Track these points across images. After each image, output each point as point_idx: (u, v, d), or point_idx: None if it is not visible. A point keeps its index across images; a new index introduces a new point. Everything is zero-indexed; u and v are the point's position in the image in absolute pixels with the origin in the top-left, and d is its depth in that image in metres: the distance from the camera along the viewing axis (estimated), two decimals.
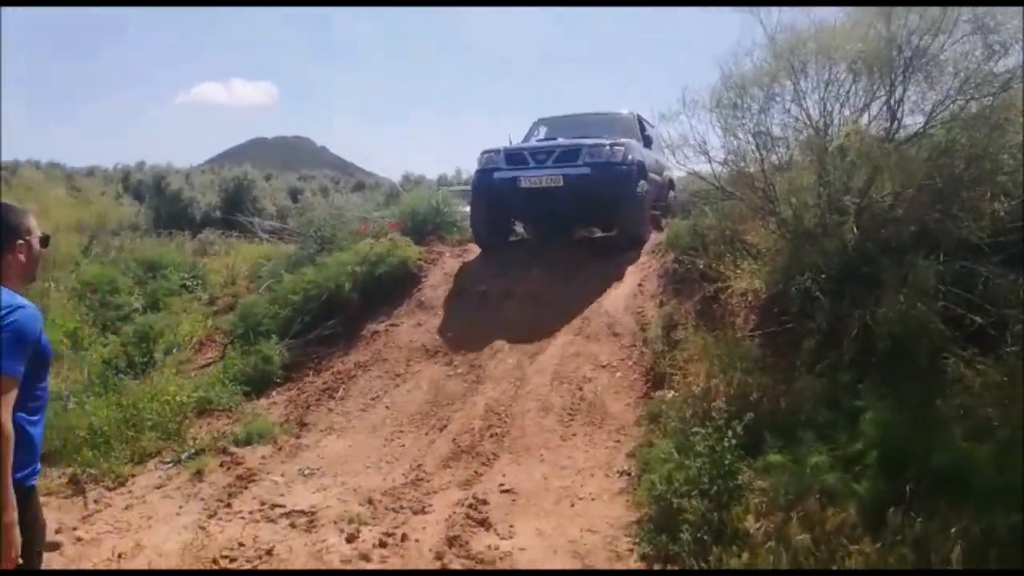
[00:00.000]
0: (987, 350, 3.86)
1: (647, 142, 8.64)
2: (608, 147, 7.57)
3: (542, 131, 9.29)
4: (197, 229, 17.65)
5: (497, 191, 7.88)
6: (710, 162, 5.56)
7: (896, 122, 4.64)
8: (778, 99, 5.30)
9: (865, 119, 5.06)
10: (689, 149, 5.59)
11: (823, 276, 4.65)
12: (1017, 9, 4.01)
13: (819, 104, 5.13)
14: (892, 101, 4.60)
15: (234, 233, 15.26)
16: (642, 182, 7.72)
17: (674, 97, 5.90)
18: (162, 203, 21.98)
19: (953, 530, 2.85)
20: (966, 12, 4.15)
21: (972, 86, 4.16)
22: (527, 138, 9.17)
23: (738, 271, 5.28)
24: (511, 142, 8.61)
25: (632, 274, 7.12)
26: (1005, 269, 4.06)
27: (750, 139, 5.34)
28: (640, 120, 9.07)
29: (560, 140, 8.13)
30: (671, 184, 9.63)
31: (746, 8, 5.30)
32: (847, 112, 5.11)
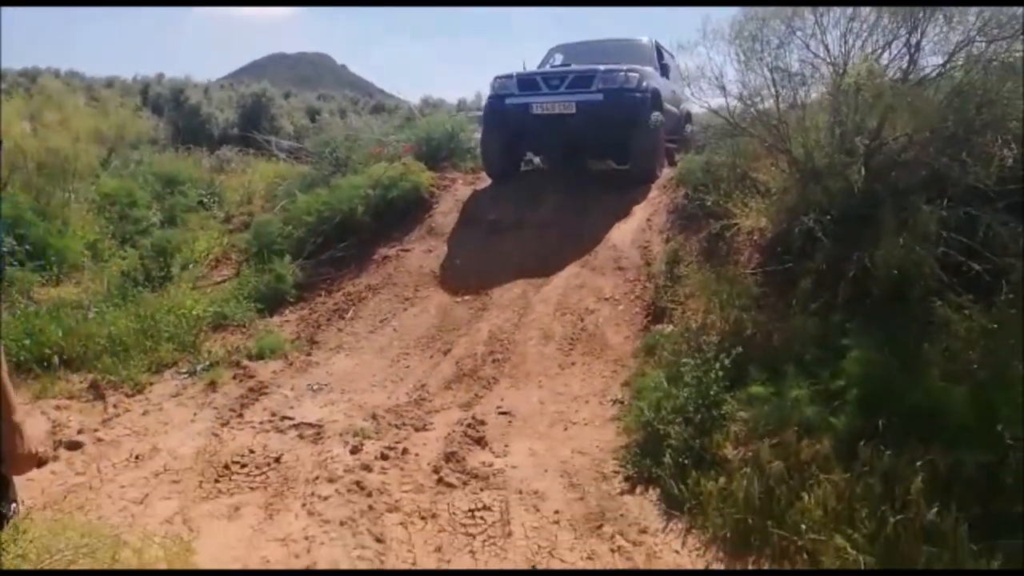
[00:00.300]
0: (983, 297, 3.92)
1: (664, 71, 8.47)
2: (623, 73, 7.40)
3: (558, 58, 9.10)
4: (215, 145, 17.74)
5: (509, 117, 7.73)
6: (725, 96, 5.50)
7: (913, 63, 4.56)
8: (799, 33, 5.21)
9: (885, 58, 4.98)
10: (705, 82, 5.55)
11: (828, 217, 4.68)
12: None
13: (839, 40, 5.04)
14: (912, 41, 4.51)
15: (251, 151, 15.31)
16: (656, 113, 7.55)
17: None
18: (180, 117, 22.04)
19: (918, 464, 2.99)
20: None
21: (993, 27, 4.07)
22: (542, 65, 9.01)
23: (746, 209, 5.31)
24: (524, 68, 8.45)
25: (642, 209, 7.14)
26: (1008, 217, 4.07)
27: (767, 73, 5.27)
28: (659, 48, 8.88)
29: (574, 66, 8.00)
30: (688, 117, 9.43)
31: None
32: (868, 49, 5.02)
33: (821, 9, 4.91)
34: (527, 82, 7.74)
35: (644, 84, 7.49)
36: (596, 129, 7.40)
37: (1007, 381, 3.22)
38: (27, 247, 7.64)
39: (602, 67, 7.51)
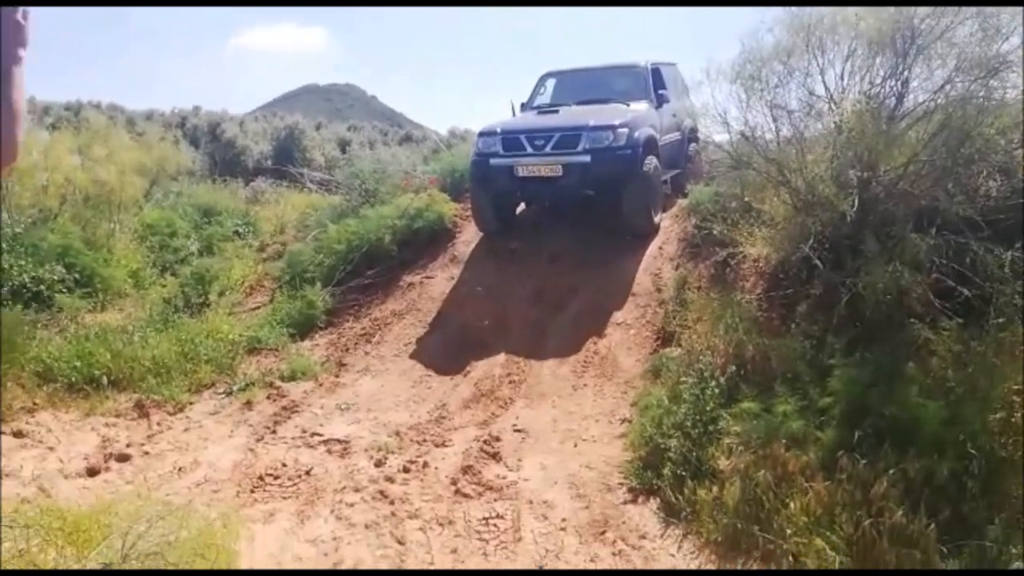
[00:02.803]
0: (974, 320, 4.17)
1: (660, 100, 8.10)
2: (611, 132, 7.06)
3: (549, 86, 8.90)
4: (250, 176, 18.46)
5: (495, 178, 7.47)
6: (729, 132, 5.82)
7: (901, 101, 4.85)
8: (796, 73, 5.53)
9: (880, 96, 5.27)
10: (710, 119, 5.88)
11: (825, 246, 4.97)
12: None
13: (836, 80, 5.35)
14: (898, 80, 4.81)
15: (284, 182, 15.93)
16: (649, 158, 7.27)
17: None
18: (217, 149, 22.89)
19: (890, 471, 3.25)
20: None
21: (967, 68, 4.36)
22: (533, 95, 8.83)
23: (751, 238, 5.59)
24: (513, 110, 8.47)
25: (654, 237, 7.42)
26: (993, 244, 4.32)
27: (767, 111, 5.59)
28: (656, 71, 8.55)
29: (560, 119, 7.66)
30: (692, 133, 8.96)
31: None
32: (864, 87, 5.32)
33: (815, 50, 5.22)
34: (511, 142, 7.38)
35: (636, 135, 7.15)
36: (585, 189, 7.23)
37: (980, 397, 3.48)
38: (76, 275, 8.16)
39: (591, 122, 7.18)
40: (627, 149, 7.05)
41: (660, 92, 8.18)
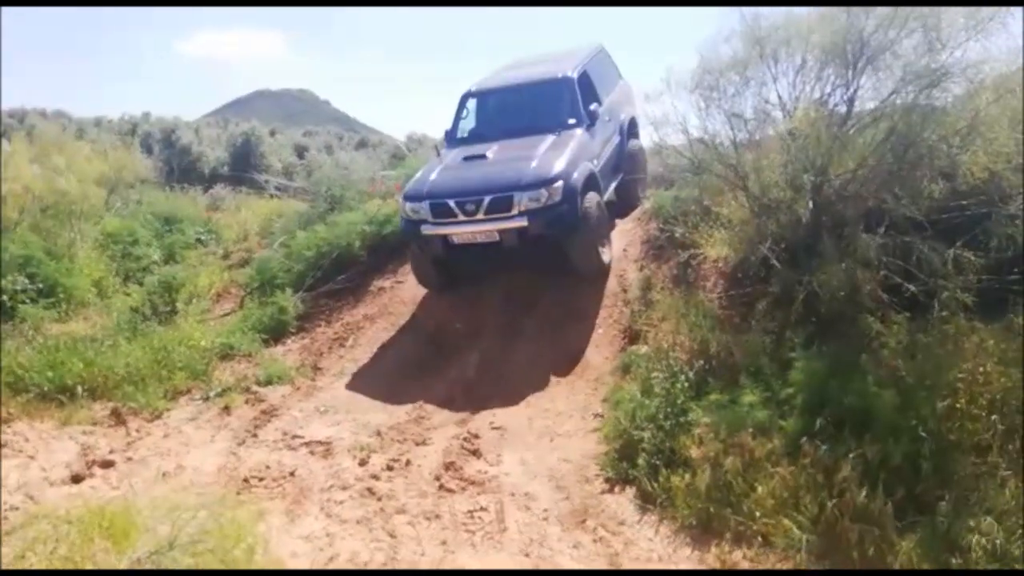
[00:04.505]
0: (919, 314, 4.50)
1: (593, 117, 7.44)
2: (545, 190, 6.41)
3: (472, 107, 8.22)
4: (207, 183, 18.29)
5: (429, 245, 6.86)
6: (689, 140, 6.08)
7: (850, 108, 5.18)
8: (752, 83, 5.83)
9: (831, 104, 5.61)
10: (670, 127, 6.14)
11: (781, 246, 5.27)
12: (958, 9, 4.55)
13: (788, 89, 5.67)
14: (848, 89, 5.14)
15: (243, 189, 15.85)
16: (590, 196, 6.75)
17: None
18: (172, 156, 22.56)
19: (850, 456, 3.54)
20: (915, 10, 4.67)
21: (911, 79, 4.70)
22: (456, 120, 8.14)
23: (711, 240, 5.86)
24: (437, 150, 8.16)
25: (617, 240, 7.64)
26: (937, 243, 4.66)
27: (724, 119, 5.87)
28: (584, 78, 7.82)
29: (489, 172, 6.87)
30: (631, 126, 8.53)
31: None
32: (816, 95, 5.65)
33: (769, 61, 5.53)
34: (440, 208, 6.70)
35: (572, 181, 6.54)
36: (526, 249, 6.69)
37: (928, 385, 3.79)
38: (38, 285, 8.08)
39: (523, 178, 6.49)
40: (564, 204, 6.46)
41: (591, 108, 7.49)
